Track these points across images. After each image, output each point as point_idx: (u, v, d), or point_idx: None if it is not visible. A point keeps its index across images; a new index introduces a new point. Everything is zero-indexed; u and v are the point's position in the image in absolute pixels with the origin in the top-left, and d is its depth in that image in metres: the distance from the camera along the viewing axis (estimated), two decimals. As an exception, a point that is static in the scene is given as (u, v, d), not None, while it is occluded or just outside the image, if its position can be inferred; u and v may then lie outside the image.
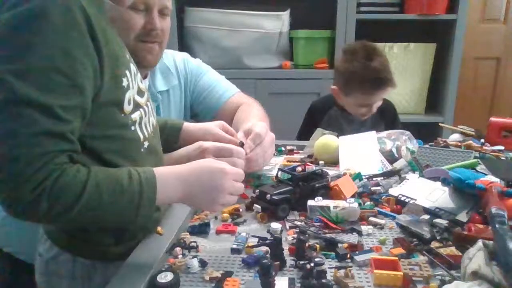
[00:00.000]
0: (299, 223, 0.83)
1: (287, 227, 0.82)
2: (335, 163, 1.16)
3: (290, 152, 1.29)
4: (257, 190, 0.91)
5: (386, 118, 1.62)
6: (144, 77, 1.25)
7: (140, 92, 0.79)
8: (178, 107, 1.35)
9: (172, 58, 1.35)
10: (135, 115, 0.75)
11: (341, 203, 0.85)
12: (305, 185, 0.90)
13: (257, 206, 0.88)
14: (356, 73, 1.45)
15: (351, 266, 0.67)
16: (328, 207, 0.84)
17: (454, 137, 1.34)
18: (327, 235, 0.77)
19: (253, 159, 1.02)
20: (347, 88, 1.49)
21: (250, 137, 1.03)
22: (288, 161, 1.17)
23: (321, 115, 1.57)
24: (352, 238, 0.76)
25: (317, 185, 0.92)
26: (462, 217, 0.79)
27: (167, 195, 0.72)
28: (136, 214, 0.67)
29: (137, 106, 0.76)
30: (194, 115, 1.41)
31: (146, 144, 0.79)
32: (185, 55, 1.40)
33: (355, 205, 0.84)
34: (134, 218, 0.67)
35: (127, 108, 0.73)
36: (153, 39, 1.11)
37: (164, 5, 1.11)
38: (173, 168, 0.75)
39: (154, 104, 1.26)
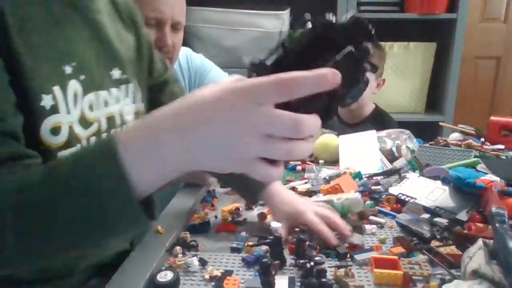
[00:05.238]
0: (299, 222, 0.83)
1: (287, 226, 0.82)
2: (335, 162, 1.16)
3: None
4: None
5: (378, 125, 1.61)
6: None
7: (85, 122, 0.59)
8: None
9: None
10: (65, 153, 0.55)
11: (343, 195, 0.84)
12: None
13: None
14: None
15: (351, 265, 0.67)
16: (332, 200, 0.83)
17: (454, 136, 1.34)
18: (327, 234, 0.77)
19: None
20: None
21: None
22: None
23: None
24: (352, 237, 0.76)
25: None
26: (462, 216, 0.79)
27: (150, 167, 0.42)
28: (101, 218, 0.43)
29: (73, 141, 0.56)
30: None
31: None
32: (187, 50, 1.38)
33: (358, 194, 0.84)
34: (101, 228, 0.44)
35: (49, 138, 0.54)
36: (163, 55, 1.09)
37: (177, 21, 1.08)
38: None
39: None
